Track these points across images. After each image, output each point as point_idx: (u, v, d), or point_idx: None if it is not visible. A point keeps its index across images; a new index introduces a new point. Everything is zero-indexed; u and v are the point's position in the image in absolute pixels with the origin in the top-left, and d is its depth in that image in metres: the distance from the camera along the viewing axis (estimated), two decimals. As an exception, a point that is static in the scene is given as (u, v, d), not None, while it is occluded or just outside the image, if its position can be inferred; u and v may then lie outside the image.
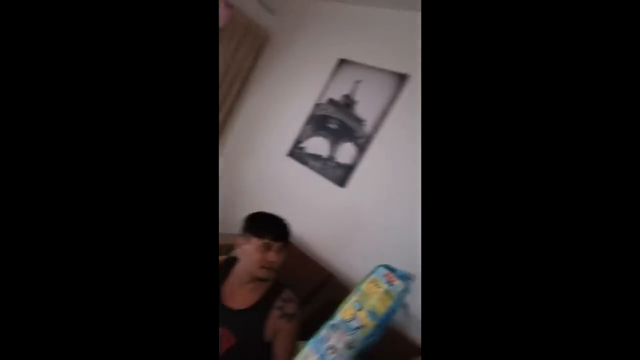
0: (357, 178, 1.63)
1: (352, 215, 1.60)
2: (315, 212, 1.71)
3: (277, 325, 0.97)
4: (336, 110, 1.77)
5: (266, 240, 0.96)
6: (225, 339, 0.93)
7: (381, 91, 1.64)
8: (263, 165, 1.95)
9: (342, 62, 1.82)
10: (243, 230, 1.01)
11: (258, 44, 2.14)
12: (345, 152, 1.68)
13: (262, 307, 0.97)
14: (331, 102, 1.80)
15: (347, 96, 1.75)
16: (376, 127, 1.62)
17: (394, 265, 1.03)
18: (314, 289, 1.43)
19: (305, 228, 1.70)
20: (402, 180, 1.50)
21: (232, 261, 1.06)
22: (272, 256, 0.96)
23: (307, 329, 1.26)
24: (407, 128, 1.53)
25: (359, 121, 1.68)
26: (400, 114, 1.59)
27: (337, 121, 1.76)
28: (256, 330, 0.96)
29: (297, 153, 1.82)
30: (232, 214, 2.00)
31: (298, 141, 1.84)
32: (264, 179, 1.91)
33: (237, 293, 0.99)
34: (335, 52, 1.86)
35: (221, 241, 1.63)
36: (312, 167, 1.75)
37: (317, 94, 1.85)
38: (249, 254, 0.97)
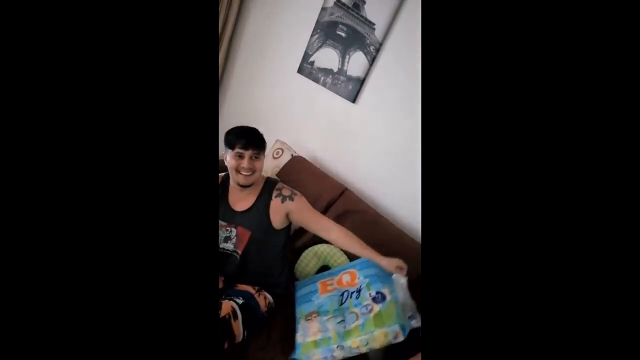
0: (367, 92, 1.56)
1: (364, 131, 1.59)
2: (328, 129, 1.72)
3: (286, 208, 1.13)
4: (345, 14, 1.59)
5: (237, 150, 1.06)
6: (243, 233, 1.14)
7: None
8: (274, 84, 1.91)
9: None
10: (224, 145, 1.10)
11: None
12: (356, 63, 1.57)
13: (262, 203, 1.13)
14: (338, 3, 1.60)
15: (354, -5, 1.54)
16: (386, 32, 1.46)
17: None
18: (329, 202, 1.56)
19: (320, 145, 1.75)
20: (413, 92, 1.42)
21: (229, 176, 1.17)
22: (244, 163, 1.06)
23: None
24: (416, 32, 1.36)
25: (369, 24, 1.51)
26: (408, 16, 1.41)
27: (346, 27, 1.59)
28: (263, 222, 1.13)
29: (307, 69, 1.74)
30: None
31: (307, 54, 1.74)
32: (276, 98, 1.90)
33: (238, 199, 1.15)
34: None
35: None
36: (323, 84, 1.69)
37: (323, -4, 1.65)
38: (228, 164, 1.09)
